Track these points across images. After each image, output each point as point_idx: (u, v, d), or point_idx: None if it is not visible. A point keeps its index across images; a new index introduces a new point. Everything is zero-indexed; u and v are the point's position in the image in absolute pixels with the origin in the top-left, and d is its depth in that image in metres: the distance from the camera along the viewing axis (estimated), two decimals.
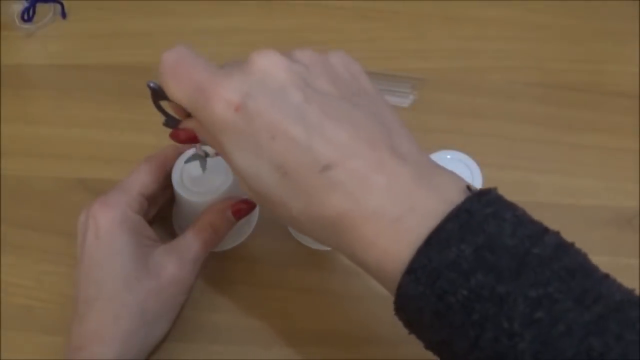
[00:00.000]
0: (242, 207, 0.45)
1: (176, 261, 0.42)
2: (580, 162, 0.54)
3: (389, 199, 0.29)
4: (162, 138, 0.41)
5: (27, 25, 0.63)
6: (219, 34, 0.63)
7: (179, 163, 0.47)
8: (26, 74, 0.62)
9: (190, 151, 0.46)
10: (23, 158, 0.55)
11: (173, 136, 0.39)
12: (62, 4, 0.64)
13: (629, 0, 0.64)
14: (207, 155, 0.44)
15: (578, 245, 0.50)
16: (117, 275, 0.40)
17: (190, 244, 0.43)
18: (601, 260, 0.49)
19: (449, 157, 0.46)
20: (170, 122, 0.40)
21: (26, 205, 0.52)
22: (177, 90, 0.34)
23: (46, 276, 0.48)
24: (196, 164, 0.44)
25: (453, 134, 0.55)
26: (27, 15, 0.63)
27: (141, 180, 0.45)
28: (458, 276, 0.27)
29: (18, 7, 0.63)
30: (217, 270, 0.48)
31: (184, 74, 0.34)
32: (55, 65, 0.61)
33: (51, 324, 0.46)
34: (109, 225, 0.41)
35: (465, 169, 0.46)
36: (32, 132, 0.57)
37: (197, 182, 0.46)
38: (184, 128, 0.38)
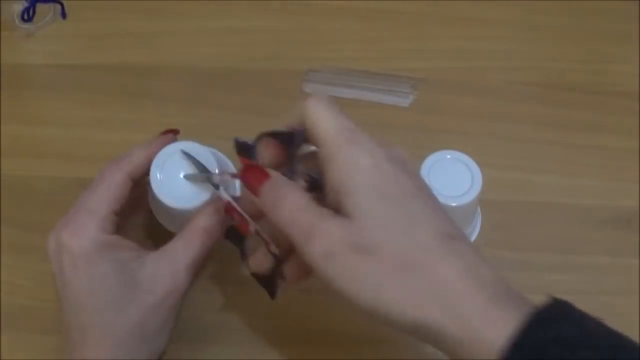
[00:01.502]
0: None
1: (169, 273, 0.40)
2: (580, 162, 0.54)
3: (484, 319, 0.31)
4: None
5: (27, 25, 0.63)
6: (219, 34, 0.63)
7: (158, 164, 0.42)
8: (26, 74, 0.62)
9: (171, 152, 0.43)
10: (23, 158, 0.55)
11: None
12: (62, 4, 0.64)
13: (629, 0, 0.64)
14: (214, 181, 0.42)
15: (578, 244, 0.50)
16: (108, 302, 0.38)
17: (182, 251, 0.40)
18: (601, 260, 0.50)
19: (449, 157, 0.46)
20: (246, 151, 0.38)
21: (26, 205, 0.52)
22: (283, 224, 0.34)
23: (46, 276, 0.48)
24: (180, 164, 0.42)
25: (453, 134, 0.55)
26: (27, 15, 0.63)
27: (109, 197, 0.41)
28: None
29: (18, 7, 0.63)
30: (217, 270, 0.48)
31: (294, 216, 0.34)
32: (55, 65, 0.61)
33: (51, 324, 0.46)
34: (84, 254, 0.38)
35: (465, 169, 0.46)
36: (32, 132, 0.57)
37: (181, 185, 0.42)
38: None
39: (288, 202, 0.34)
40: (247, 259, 0.40)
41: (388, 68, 0.59)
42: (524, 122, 0.56)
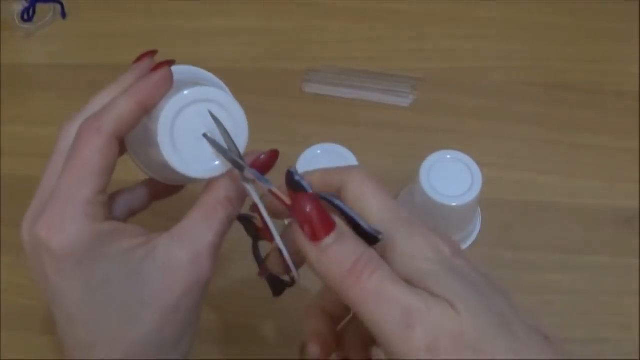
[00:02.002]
0: (268, 161, 0.32)
1: (187, 259, 0.31)
2: (580, 162, 0.54)
3: None
4: None
5: (27, 25, 0.63)
6: (219, 34, 0.63)
7: (169, 112, 0.31)
8: (26, 74, 0.62)
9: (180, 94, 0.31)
10: (23, 158, 0.55)
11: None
12: (62, 4, 0.64)
13: (629, 0, 0.64)
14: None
15: (578, 245, 0.50)
16: (112, 313, 0.30)
17: (203, 228, 0.31)
18: (601, 260, 0.50)
19: (449, 157, 0.46)
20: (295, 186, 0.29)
21: (26, 205, 0.52)
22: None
23: None
24: (199, 116, 0.31)
25: (453, 134, 0.55)
26: (27, 15, 0.63)
27: (91, 171, 0.30)
28: None
29: (18, 7, 0.63)
30: (218, 269, 0.48)
31: (385, 294, 0.26)
32: (55, 65, 0.61)
33: (51, 324, 0.46)
34: (70, 255, 0.29)
35: (465, 169, 0.46)
36: (32, 132, 0.57)
37: (196, 145, 0.31)
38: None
39: (377, 273, 0.26)
40: (262, 259, 0.35)
41: (388, 68, 0.59)
42: (524, 122, 0.56)
